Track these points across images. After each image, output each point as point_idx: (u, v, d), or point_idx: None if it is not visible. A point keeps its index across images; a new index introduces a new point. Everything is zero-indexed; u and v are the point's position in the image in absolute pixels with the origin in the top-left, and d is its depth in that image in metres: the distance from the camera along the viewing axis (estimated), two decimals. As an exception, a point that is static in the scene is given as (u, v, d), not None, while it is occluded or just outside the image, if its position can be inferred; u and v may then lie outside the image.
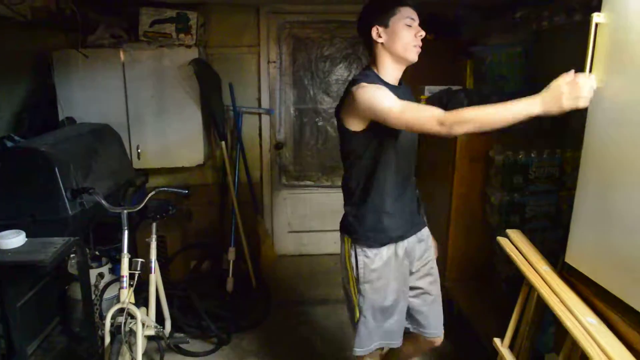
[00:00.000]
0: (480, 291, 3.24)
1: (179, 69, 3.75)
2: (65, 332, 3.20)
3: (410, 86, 2.22)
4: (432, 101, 3.71)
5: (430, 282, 2.26)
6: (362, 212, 2.06)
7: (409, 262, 2.16)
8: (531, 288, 2.02)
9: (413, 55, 1.98)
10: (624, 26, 1.50)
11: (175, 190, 2.82)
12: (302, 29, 4.32)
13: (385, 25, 1.95)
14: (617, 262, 1.64)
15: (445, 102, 3.51)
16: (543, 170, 2.95)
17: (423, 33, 1.96)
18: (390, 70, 2.02)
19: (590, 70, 1.60)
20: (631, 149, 1.53)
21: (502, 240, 2.26)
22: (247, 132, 4.33)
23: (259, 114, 4.36)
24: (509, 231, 2.30)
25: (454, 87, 3.65)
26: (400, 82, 2.09)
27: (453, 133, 1.68)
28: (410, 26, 1.94)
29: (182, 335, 3.14)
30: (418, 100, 3.86)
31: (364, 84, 1.90)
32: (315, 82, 4.44)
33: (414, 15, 1.97)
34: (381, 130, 1.90)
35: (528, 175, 2.94)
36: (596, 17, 1.58)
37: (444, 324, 2.32)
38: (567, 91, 1.52)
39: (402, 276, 2.13)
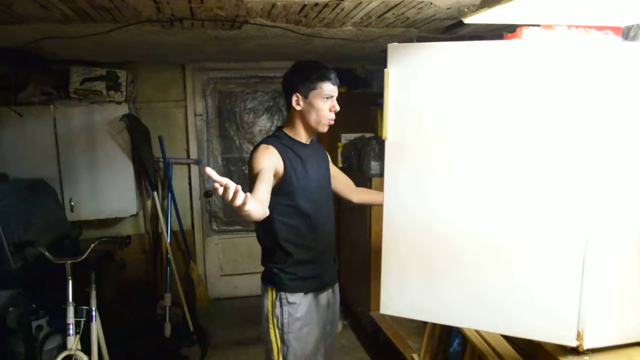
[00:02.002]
0: (402, 318, 3.56)
1: (110, 123, 3.92)
2: (3, 388, 3.19)
3: (321, 143, 2.47)
4: (349, 147, 4.10)
5: (331, 338, 2.46)
6: (284, 264, 2.16)
7: (327, 310, 2.32)
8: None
9: (323, 129, 2.16)
10: (407, 79, 1.85)
11: (117, 239, 2.97)
12: (226, 84, 4.64)
13: (305, 96, 2.11)
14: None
15: (360, 147, 3.90)
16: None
17: (337, 108, 2.13)
18: (302, 132, 2.20)
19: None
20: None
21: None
22: (177, 182, 4.52)
23: (188, 164, 4.58)
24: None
25: (367, 135, 4.06)
26: (312, 140, 2.28)
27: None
28: (327, 100, 2.11)
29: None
30: (335, 148, 4.26)
31: (262, 144, 2.11)
32: (240, 133, 4.73)
33: (335, 91, 2.13)
34: (282, 191, 2.09)
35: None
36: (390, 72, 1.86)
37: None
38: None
39: (322, 324, 2.28)
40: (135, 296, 4.29)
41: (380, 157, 3.54)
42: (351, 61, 4.46)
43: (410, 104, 1.83)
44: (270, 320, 2.18)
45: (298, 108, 2.13)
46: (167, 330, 3.95)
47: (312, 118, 2.13)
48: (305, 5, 2.21)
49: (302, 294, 2.18)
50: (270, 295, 2.19)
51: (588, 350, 1.73)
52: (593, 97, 1.58)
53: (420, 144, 1.83)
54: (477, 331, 2.05)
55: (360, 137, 4.08)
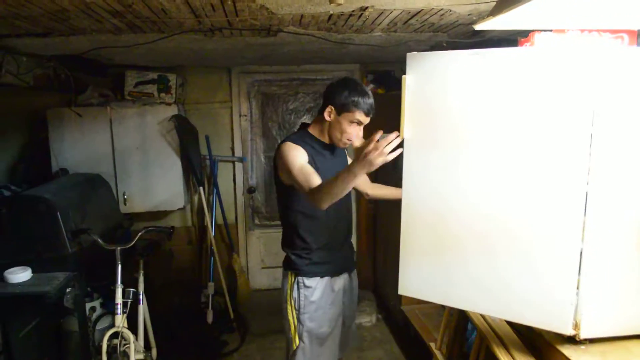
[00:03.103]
0: (431, 312, 3.69)
1: (160, 123, 4.22)
2: (60, 363, 3.51)
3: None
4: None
5: (350, 319, 2.65)
6: (302, 251, 2.38)
7: (342, 296, 2.50)
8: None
9: (341, 146, 2.35)
10: (423, 84, 1.99)
11: (161, 227, 3.24)
12: (270, 86, 4.87)
13: (337, 112, 2.25)
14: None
15: (398, 147, 4.03)
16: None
17: (361, 135, 2.25)
18: (325, 136, 2.36)
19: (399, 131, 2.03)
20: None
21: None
22: (222, 178, 4.79)
23: (233, 162, 4.84)
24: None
25: (403, 134, 4.17)
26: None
27: (318, 204, 2.00)
28: (355, 125, 2.24)
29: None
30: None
31: (289, 142, 2.27)
32: (282, 132, 4.95)
33: (365, 120, 2.25)
34: None
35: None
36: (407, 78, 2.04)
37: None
38: (370, 156, 1.81)
39: (337, 308, 2.46)
40: (181, 284, 4.59)
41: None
42: (389, 63, 4.60)
43: (425, 106, 2.00)
44: (289, 302, 2.42)
45: (328, 119, 2.29)
46: (210, 317, 4.21)
47: (335, 134, 2.29)
48: (332, 14, 2.39)
49: (318, 278, 2.38)
50: (290, 279, 2.43)
51: (585, 340, 1.83)
52: (592, 94, 1.68)
53: (433, 142, 2.00)
54: (485, 320, 2.18)
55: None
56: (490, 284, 1.91)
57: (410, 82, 2.00)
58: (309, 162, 2.24)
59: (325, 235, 2.39)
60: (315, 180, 2.07)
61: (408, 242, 2.09)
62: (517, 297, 1.87)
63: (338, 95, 2.25)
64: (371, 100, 2.25)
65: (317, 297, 2.38)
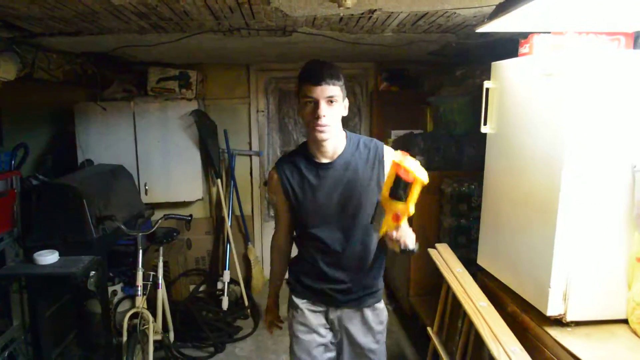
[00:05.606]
0: (437, 302, 3.81)
1: (181, 118, 4.40)
2: (82, 343, 3.70)
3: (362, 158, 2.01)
4: (396, 143, 4.36)
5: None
6: (297, 269, 2.18)
7: (328, 330, 2.19)
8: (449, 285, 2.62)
9: (314, 135, 1.83)
10: (503, 90, 2.17)
11: (180, 215, 3.41)
12: (286, 83, 5.02)
13: (298, 100, 1.87)
14: (506, 260, 2.30)
15: (407, 143, 4.15)
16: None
17: (321, 114, 1.78)
18: (314, 146, 1.92)
19: (485, 122, 2.28)
20: (508, 174, 2.22)
21: (431, 251, 2.86)
22: (239, 171, 4.96)
23: (250, 156, 5.01)
24: (438, 245, 2.91)
25: (415, 132, 4.29)
26: (345, 153, 1.94)
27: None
28: (308, 103, 1.80)
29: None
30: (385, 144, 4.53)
31: (271, 172, 2.03)
32: (297, 128, 5.11)
33: (316, 93, 1.77)
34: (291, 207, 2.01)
35: (471, 203, 3.53)
36: (486, 84, 2.24)
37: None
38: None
39: (317, 342, 2.17)
40: (198, 272, 4.77)
41: (424, 152, 3.78)
42: (403, 62, 4.71)
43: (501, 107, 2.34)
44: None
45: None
46: (225, 303, 4.38)
47: (304, 123, 1.89)
48: (342, 16, 2.53)
49: (299, 299, 2.19)
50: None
51: (571, 322, 1.96)
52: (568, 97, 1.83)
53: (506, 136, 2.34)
54: (475, 305, 2.29)
55: (408, 134, 4.32)
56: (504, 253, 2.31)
57: (492, 88, 2.41)
58: (286, 190, 1.97)
59: (315, 265, 2.06)
60: (279, 229, 2.18)
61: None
62: (522, 272, 2.15)
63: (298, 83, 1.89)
64: (315, 70, 1.80)
65: (299, 318, 2.22)
